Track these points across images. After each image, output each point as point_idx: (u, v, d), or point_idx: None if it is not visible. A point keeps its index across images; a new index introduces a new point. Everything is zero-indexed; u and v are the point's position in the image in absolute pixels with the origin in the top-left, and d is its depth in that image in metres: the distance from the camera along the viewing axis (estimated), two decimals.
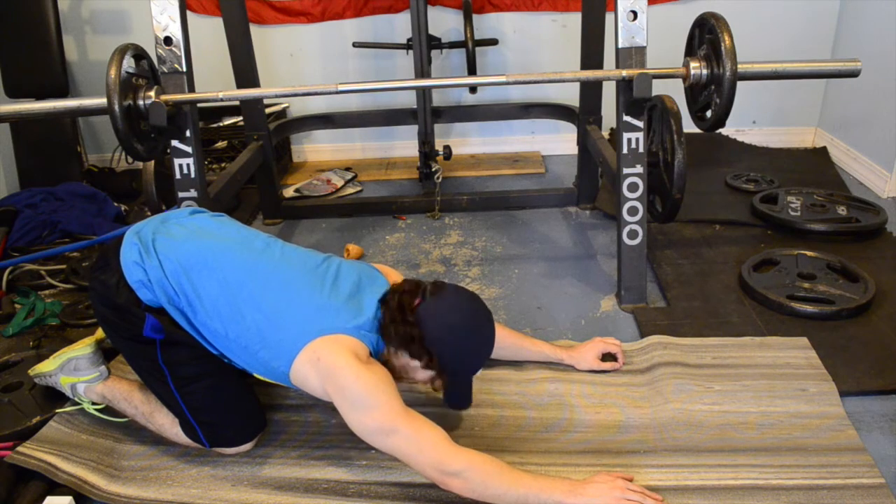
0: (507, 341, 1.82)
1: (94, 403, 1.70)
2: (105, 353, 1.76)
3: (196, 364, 1.54)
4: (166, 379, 1.53)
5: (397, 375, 1.49)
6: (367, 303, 1.51)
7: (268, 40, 3.45)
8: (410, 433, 1.36)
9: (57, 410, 1.71)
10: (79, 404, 1.71)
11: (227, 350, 1.50)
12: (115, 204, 3.04)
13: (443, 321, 1.47)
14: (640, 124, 2.12)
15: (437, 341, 1.46)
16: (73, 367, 1.68)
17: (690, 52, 2.12)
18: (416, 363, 1.48)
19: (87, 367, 1.69)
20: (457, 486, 1.36)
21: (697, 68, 2.02)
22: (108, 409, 1.70)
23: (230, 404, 1.60)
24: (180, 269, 1.48)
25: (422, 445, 1.36)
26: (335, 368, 1.38)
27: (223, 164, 3.37)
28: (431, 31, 2.94)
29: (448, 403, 1.58)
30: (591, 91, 2.85)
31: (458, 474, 1.35)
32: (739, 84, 1.93)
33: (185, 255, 1.50)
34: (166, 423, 1.61)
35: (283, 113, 3.55)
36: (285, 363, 1.43)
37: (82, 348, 1.69)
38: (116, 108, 1.89)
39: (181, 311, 1.48)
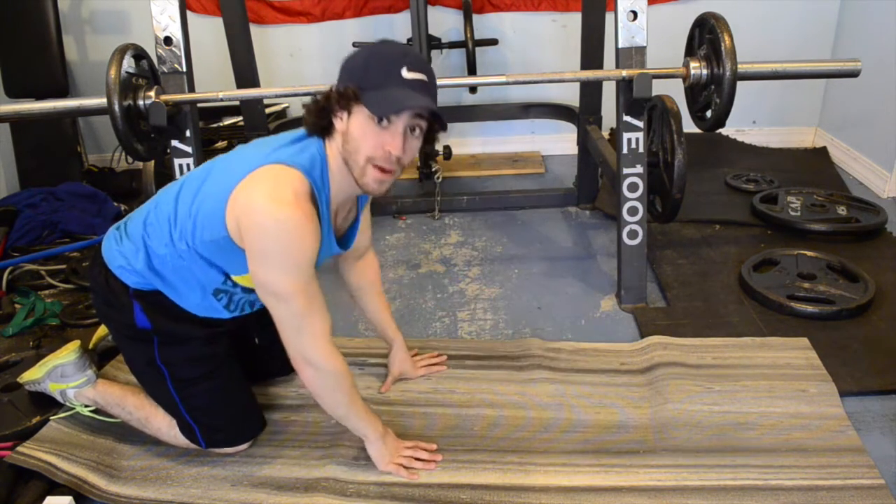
0: (374, 310, 1.80)
1: (86, 406, 1.70)
2: (102, 356, 1.76)
3: (195, 365, 1.54)
4: (165, 379, 1.53)
5: (359, 169, 1.33)
6: (313, 142, 1.38)
7: (268, 40, 3.44)
8: (300, 310, 1.33)
9: (51, 417, 1.70)
10: (72, 409, 1.71)
11: (192, 266, 1.42)
12: (115, 204, 3.04)
13: (344, 65, 1.35)
14: (640, 124, 2.12)
15: (344, 74, 1.33)
16: (59, 373, 1.68)
17: (690, 52, 2.12)
18: (353, 119, 1.30)
19: (74, 372, 1.68)
20: (306, 376, 1.38)
21: (697, 68, 2.02)
22: (101, 410, 1.70)
23: (230, 406, 1.59)
24: (140, 229, 1.46)
25: (303, 327, 1.35)
26: (254, 206, 1.27)
27: None
28: (431, 31, 2.93)
29: (382, 111, 1.29)
30: (591, 91, 2.85)
31: (316, 368, 1.37)
32: (739, 84, 1.93)
33: (141, 214, 1.49)
34: (163, 426, 1.61)
35: (283, 113, 3.55)
36: (220, 223, 1.33)
37: (66, 355, 1.69)
38: (116, 108, 1.89)
39: (157, 272, 1.45)
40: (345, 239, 1.56)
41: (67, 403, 1.70)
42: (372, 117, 1.29)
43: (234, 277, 1.46)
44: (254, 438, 1.62)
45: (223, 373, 1.58)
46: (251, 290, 1.46)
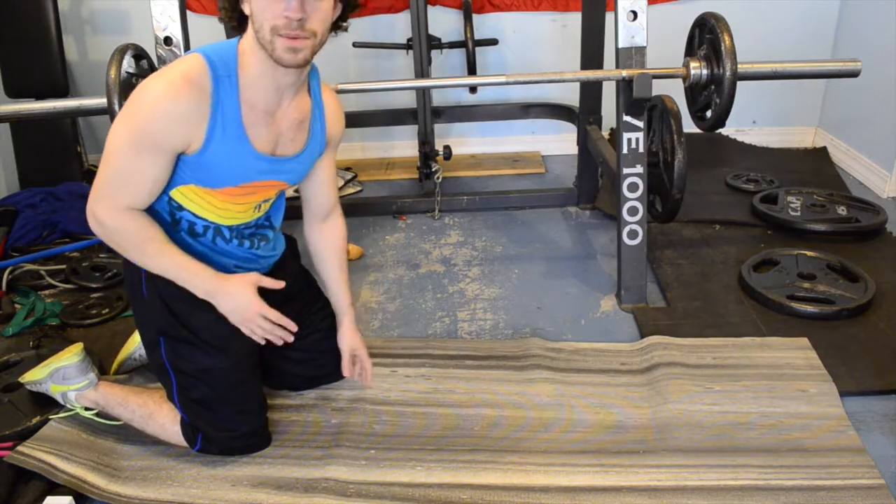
0: (332, 279, 1.73)
1: (87, 409, 1.69)
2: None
3: (200, 378, 1.52)
4: (172, 386, 1.53)
5: (269, 45, 1.29)
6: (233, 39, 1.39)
7: None
8: (109, 177, 1.33)
9: (51, 417, 1.70)
10: (72, 410, 1.70)
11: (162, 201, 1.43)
12: None
13: None
14: (640, 124, 2.12)
15: None
16: (61, 376, 1.67)
17: (690, 52, 2.12)
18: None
19: (76, 375, 1.67)
20: (96, 232, 1.36)
21: (697, 68, 2.02)
22: (102, 413, 1.70)
23: (233, 422, 1.58)
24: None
25: (103, 192, 1.33)
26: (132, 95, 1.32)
27: None
28: (431, 31, 2.93)
29: None
30: (591, 91, 2.85)
31: (102, 224, 1.35)
32: (739, 84, 1.93)
33: None
34: (167, 422, 1.60)
35: None
36: None
37: (69, 357, 1.68)
38: (116, 108, 1.88)
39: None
40: (286, 165, 1.48)
41: (68, 405, 1.70)
42: None
43: (179, 191, 1.42)
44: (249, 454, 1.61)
45: (229, 395, 1.55)
46: (204, 217, 1.46)
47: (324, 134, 1.56)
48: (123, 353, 1.89)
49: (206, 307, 1.45)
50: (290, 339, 1.45)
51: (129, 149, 1.31)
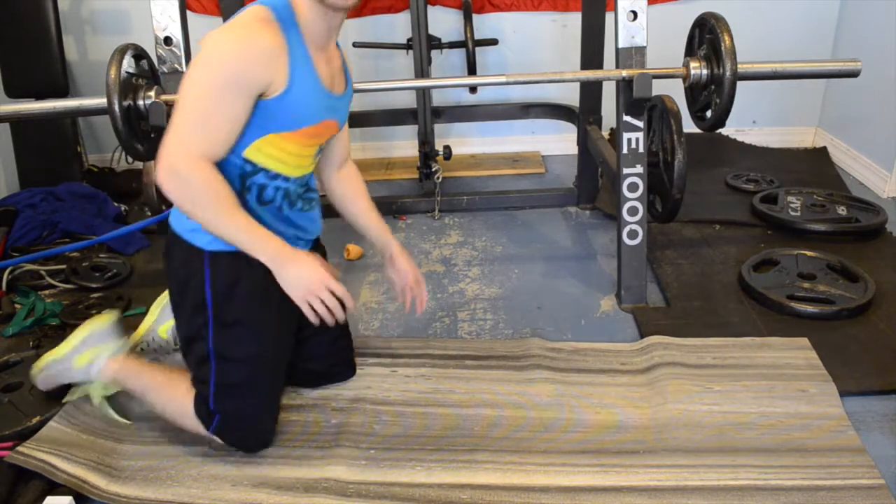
0: (363, 213, 1.80)
1: (104, 388, 1.67)
2: None
3: (246, 367, 1.54)
4: (211, 373, 1.53)
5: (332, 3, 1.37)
6: None
7: None
8: (190, 119, 1.33)
9: (64, 400, 1.69)
10: (83, 391, 1.68)
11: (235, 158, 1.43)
12: (115, 204, 3.03)
13: None
14: (640, 124, 2.12)
15: None
16: (96, 338, 1.66)
17: (690, 52, 2.12)
18: None
19: (111, 335, 1.68)
20: (168, 188, 1.32)
21: (697, 68, 2.02)
22: (112, 403, 1.69)
23: (255, 421, 1.59)
24: None
25: (179, 135, 1.32)
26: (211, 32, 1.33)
27: None
28: (431, 31, 2.93)
29: None
30: (591, 91, 2.85)
31: (179, 174, 1.31)
32: (739, 84, 1.93)
33: None
34: (179, 394, 1.58)
35: None
36: None
37: (104, 320, 1.69)
38: (116, 108, 1.89)
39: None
40: (339, 103, 1.56)
41: (85, 383, 1.67)
42: None
43: (255, 146, 1.43)
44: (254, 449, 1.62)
45: (267, 384, 1.58)
46: (279, 174, 1.48)
47: (349, 78, 1.64)
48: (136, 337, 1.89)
49: (263, 292, 1.47)
50: (344, 317, 1.47)
51: (213, 92, 1.32)
